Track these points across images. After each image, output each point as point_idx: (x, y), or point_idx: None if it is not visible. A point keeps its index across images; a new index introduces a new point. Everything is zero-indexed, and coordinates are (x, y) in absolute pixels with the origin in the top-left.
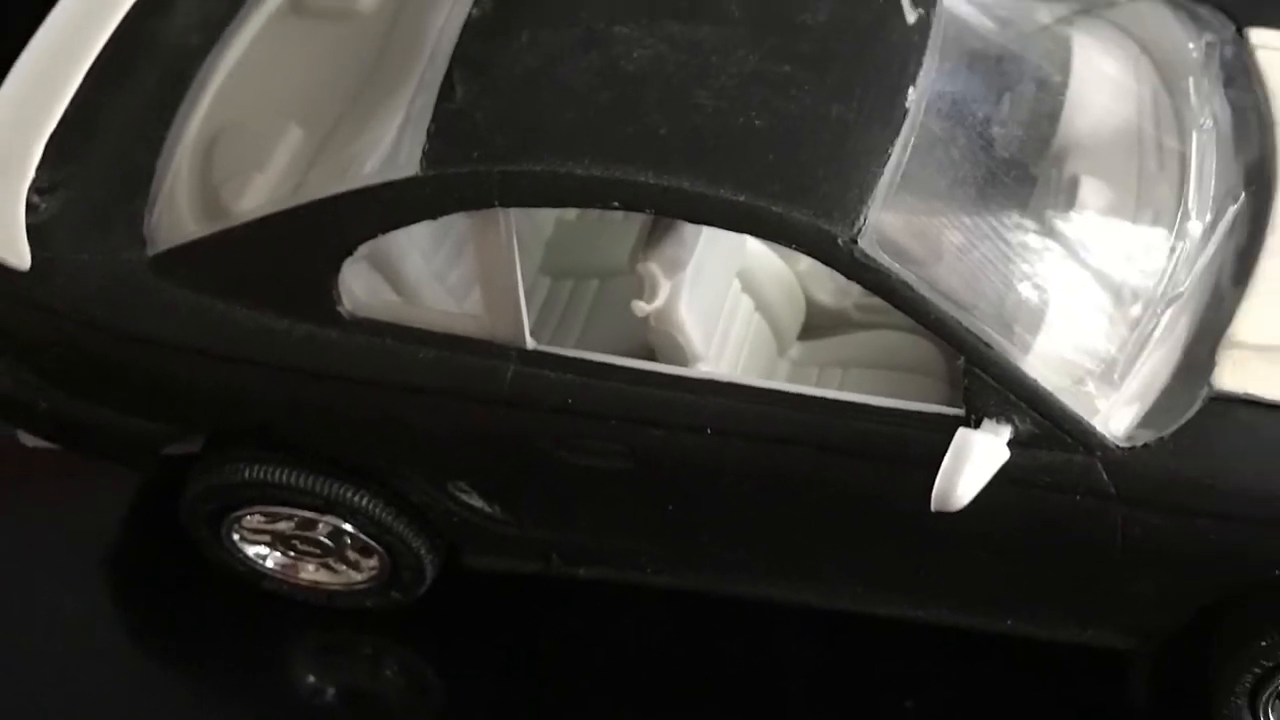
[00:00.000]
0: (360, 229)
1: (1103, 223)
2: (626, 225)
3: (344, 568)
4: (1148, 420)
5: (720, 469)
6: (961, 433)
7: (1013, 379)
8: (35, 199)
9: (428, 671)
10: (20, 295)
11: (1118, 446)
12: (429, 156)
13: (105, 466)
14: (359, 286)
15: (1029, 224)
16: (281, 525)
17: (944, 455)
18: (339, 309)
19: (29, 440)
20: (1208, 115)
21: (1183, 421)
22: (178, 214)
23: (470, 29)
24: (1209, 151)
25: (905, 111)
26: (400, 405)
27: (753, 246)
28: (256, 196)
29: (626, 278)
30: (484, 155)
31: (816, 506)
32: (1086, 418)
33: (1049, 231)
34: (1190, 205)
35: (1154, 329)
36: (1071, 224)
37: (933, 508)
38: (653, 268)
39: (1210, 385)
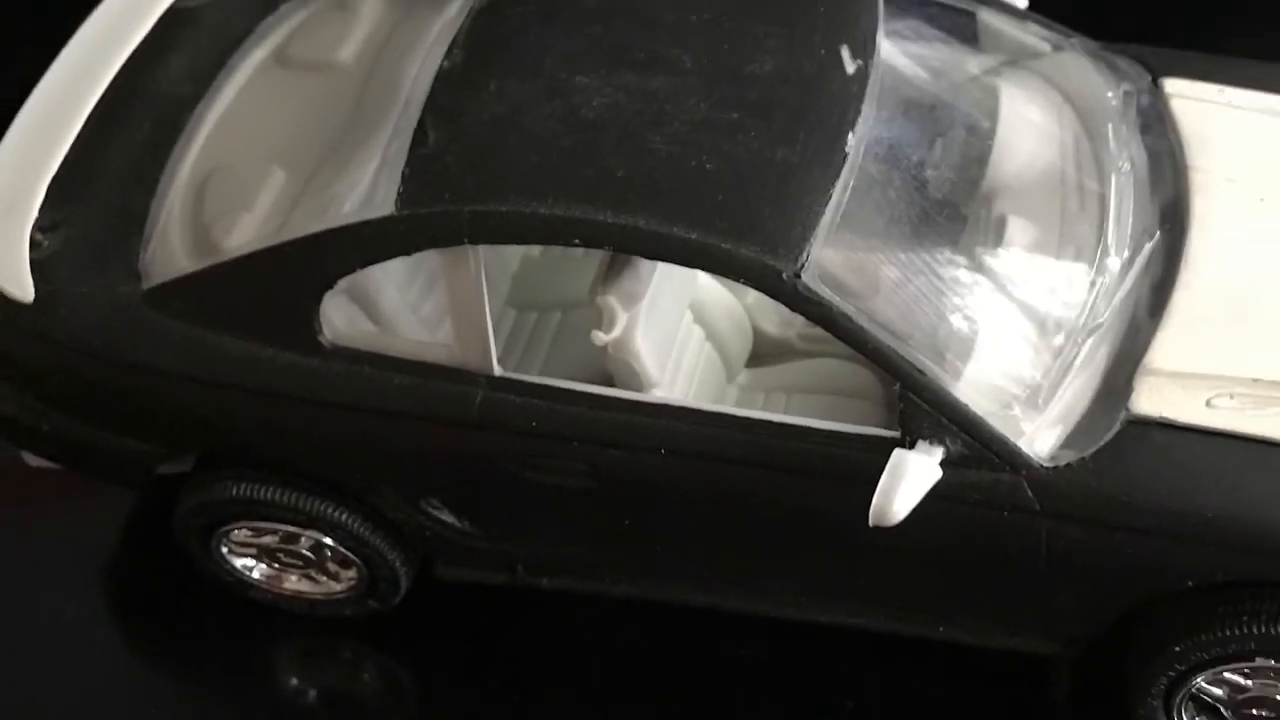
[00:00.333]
0: (340, 264)
1: (1028, 258)
2: (587, 261)
3: (325, 578)
4: (1070, 442)
5: (674, 487)
6: (897, 453)
7: (944, 404)
8: (39, 236)
9: (402, 674)
10: (24, 326)
11: (1042, 466)
12: (404, 197)
13: (104, 485)
14: (338, 318)
15: (960, 260)
16: (267, 539)
17: (881, 474)
18: (320, 339)
19: (33, 460)
20: (1126, 159)
21: (1102, 443)
22: (170, 250)
23: (442, 79)
24: (1127, 193)
25: (845, 155)
26: (377, 428)
27: (703, 280)
28: (244, 234)
29: (586, 310)
30: (454, 196)
31: (763, 522)
32: (1013, 439)
33: (978, 267)
34: (1109, 242)
35: (1076, 357)
36: (999, 260)
37: (870, 523)
38: (611, 300)
39: (1128, 409)
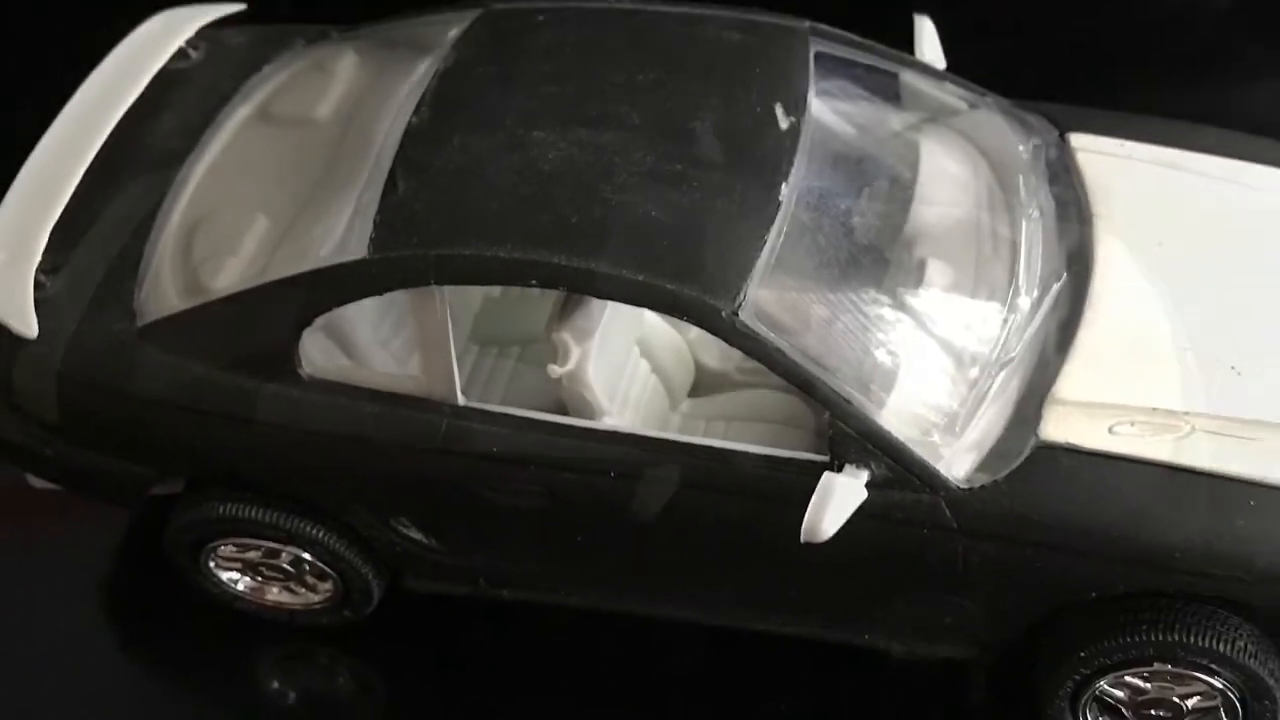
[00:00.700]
0: (317, 303)
1: (946, 298)
2: (543, 300)
3: (303, 590)
4: (984, 465)
5: (622, 507)
6: (826, 476)
7: (870, 431)
8: (42, 278)
9: (374, 677)
10: (29, 359)
11: (959, 488)
12: (375, 242)
13: (101, 505)
14: (316, 352)
15: (884, 299)
16: (250, 554)
17: (812, 495)
18: (299, 371)
19: (37, 482)
20: (1035, 207)
21: (1014, 466)
22: (162, 291)
23: (410, 134)
24: (1036, 238)
25: (779, 204)
26: (351, 453)
27: (649, 318)
28: (229, 276)
29: (543, 345)
30: (422, 241)
31: (703, 538)
32: (932, 463)
33: (901, 305)
34: (1020, 283)
35: (990, 388)
36: (920, 299)
37: (802, 539)
38: (565, 336)
39: (1037, 436)
